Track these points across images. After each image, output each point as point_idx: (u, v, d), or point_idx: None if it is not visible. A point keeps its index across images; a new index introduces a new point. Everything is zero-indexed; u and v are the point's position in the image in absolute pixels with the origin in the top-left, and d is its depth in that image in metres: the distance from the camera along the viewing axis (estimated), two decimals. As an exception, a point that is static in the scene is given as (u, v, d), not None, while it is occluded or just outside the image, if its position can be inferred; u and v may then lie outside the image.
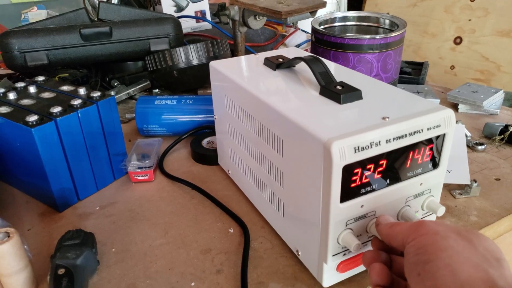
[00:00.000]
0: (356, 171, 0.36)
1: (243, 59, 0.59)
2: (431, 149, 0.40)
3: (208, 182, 0.62)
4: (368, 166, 0.37)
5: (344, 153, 0.35)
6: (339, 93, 0.42)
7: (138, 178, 0.62)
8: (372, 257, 0.36)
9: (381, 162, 0.37)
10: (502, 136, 0.70)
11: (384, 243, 0.37)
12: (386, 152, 0.37)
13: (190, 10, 1.16)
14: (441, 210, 0.42)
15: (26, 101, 0.57)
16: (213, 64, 0.57)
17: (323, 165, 0.35)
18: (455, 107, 0.82)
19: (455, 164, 0.60)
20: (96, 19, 0.92)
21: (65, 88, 0.61)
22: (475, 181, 0.57)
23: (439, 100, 0.83)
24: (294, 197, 0.43)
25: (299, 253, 0.45)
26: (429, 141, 0.40)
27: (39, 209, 0.57)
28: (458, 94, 0.81)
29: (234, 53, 0.93)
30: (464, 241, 0.29)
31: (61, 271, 0.41)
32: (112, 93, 0.87)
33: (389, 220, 0.36)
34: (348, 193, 0.37)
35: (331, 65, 0.54)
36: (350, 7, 1.65)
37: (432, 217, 0.45)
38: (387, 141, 0.36)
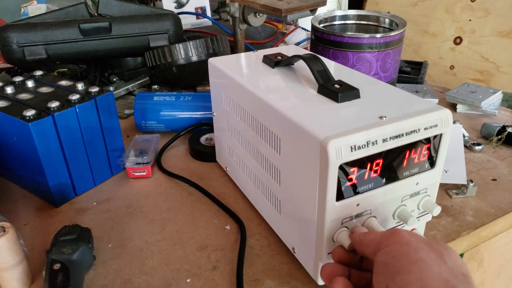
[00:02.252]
0: (352, 169, 0.36)
1: (242, 56, 0.59)
2: (428, 148, 0.40)
3: (206, 179, 0.62)
4: (365, 165, 0.37)
5: (340, 152, 0.35)
6: (337, 91, 0.42)
7: (136, 174, 0.62)
8: (333, 270, 0.35)
9: (377, 161, 0.37)
10: (499, 136, 0.70)
11: (345, 255, 0.36)
12: (383, 151, 0.37)
13: (191, 6, 1.15)
14: (437, 210, 0.42)
15: (23, 96, 0.57)
16: (212, 61, 0.57)
17: (320, 164, 0.36)
18: (453, 107, 0.82)
19: (452, 164, 0.60)
20: (95, 14, 0.92)
21: (63, 83, 0.61)
22: (472, 181, 0.57)
23: (437, 100, 0.83)
24: (290, 195, 0.43)
25: (295, 251, 0.45)
26: (426, 140, 0.40)
27: (36, 204, 0.57)
28: (457, 94, 0.81)
29: (233, 50, 0.93)
30: (435, 253, 0.29)
31: (56, 266, 0.41)
32: (111, 88, 0.87)
33: (364, 230, 0.37)
34: (344, 192, 0.37)
35: (330, 64, 0.54)
36: (350, 6, 1.65)
37: (428, 217, 0.45)
38: (384, 140, 0.37)
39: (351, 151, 0.35)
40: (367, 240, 0.34)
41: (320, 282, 0.43)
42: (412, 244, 0.30)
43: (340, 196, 0.37)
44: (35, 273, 0.45)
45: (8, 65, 0.96)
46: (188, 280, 0.44)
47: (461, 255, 0.57)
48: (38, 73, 0.65)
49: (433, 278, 0.27)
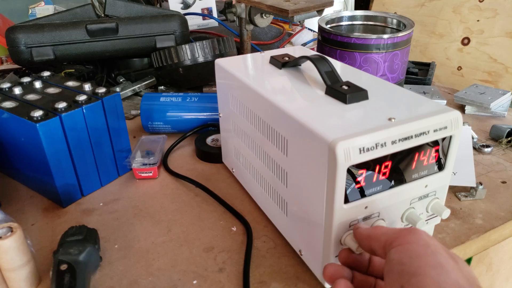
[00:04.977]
0: (360, 172, 0.36)
1: (248, 57, 0.59)
2: (437, 151, 0.40)
3: (212, 180, 0.62)
4: (373, 167, 0.37)
5: (349, 154, 0.34)
6: (345, 93, 0.42)
7: (142, 175, 0.62)
8: (336, 271, 0.34)
9: (386, 164, 0.37)
10: (509, 138, 0.69)
11: (352, 258, 0.36)
12: (392, 153, 0.37)
13: (197, 7, 1.15)
14: (446, 213, 0.42)
15: (31, 96, 0.57)
16: (219, 61, 0.57)
17: (328, 166, 0.35)
18: (461, 108, 0.81)
19: (461, 166, 0.59)
20: (102, 15, 0.92)
21: (70, 83, 0.61)
22: (481, 184, 0.56)
23: (445, 101, 0.82)
24: (297, 197, 0.43)
25: (302, 253, 0.45)
26: (435, 143, 0.39)
27: (43, 204, 0.57)
28: (465, 95, 0.80)
29: (240, 51, 0.92)
30: (453, 261, 0.29)
31: (63, 267, 0.41)
32: (117, 89, 0.87)
33: (367, 226, 0.36)
34: (352, 194, 0.37)
35: (337, 65, 0.54)
36: (357, 6, 1.64)
37: (437, 220, 0.45)
38: (393, 142, 0.36)
39: (360, 153, 0.35)
40: (376, 234, 0.33)
41: (327, 284, 0.42)
42: (431, 247, 0.29)
43: (348, 198, 0.37)
44: (43, 273, 0.45)
45: (16, 66, 0.97)
46: (195, 282, 0.44)
47: (470, 258, 0.57)
48: (46, 74, 0.65)
49: (451, 284, 0.27)
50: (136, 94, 0.90)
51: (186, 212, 0.55)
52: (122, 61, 0.94)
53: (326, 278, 0.35)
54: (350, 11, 0.84)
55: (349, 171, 0.35)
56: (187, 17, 0.95)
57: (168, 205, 0.57)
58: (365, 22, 0.83)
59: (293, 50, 0.60)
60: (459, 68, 1.45)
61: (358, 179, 0.36)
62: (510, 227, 0.53)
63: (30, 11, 1.36)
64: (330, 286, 0.42)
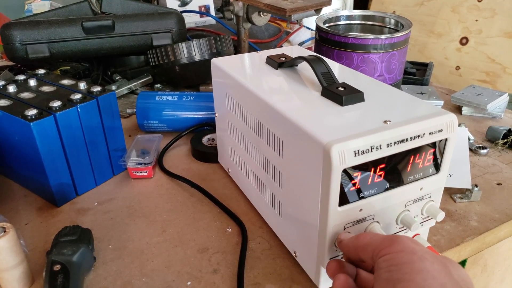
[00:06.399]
0: (355, 174, 0.36)
1: (245, 56, 0.59)
2: (432, 153, 0.40)
3: (208, 180, 0.61)
4: (368, 170, 0.36)
5: (344, 157, 0.34)
6: (341, 94, 0.41)
7: (137, 174, 0.61)
8: (338, 267, 0.34)
9: (381, 166, 0.37)
10: (505, 140, 0.69)
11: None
12: (387, 156, 0.36)
13: (194, 4, 1.15)
14: (441, 216, 0.42)
15: (25, 95, 0.57)
16: (215, 61, 0.56)
17: (323, 168, 0.35)
18: (458, 109, 0.81)
19: (456, 167, 0.59)
20: (99, 12, 0.92)
21: (65, 82, 0.61)
22: (476, 186, 0.56)
23: (442, 102, 0.82)
24: (292, 199, 0.43)
25: (297, 255, 0.45)
26: (431, 145, 0.39)
27: (37, 203, 0.57)
28: (462, 96, 0.80)
29: (237, 49, 0.92)
30: (440, 265, 0.29)
31: (56, 267, 0.41)
32: (113, 87, 0.86)
33: (349, 235, 0.36)
34: (347, 197, 0.36)
35: (334, 65, 0.54)
36: (356, 6, 1.63)
37: (432, 222, 0.45)
38: (388, 145, 0.36)
39: (355, 155, 0.35)
40: (362, 244, 0.33)
41: (322, 286, 0.42)
42: (417, 253, 0.29)
43: (343, 201, 0.36)
44: (36, 274, 0.45)
45: (11, 63, 0.96)
46: (189, 283, 0.44)
47: (465, 260, 0.57)
48: (41, 71, 0.65)
49: None
50: (132, 92, 0.90)
51: (181, 213, 0.55)
52: (118, 58, 0.93)
53: (328, 273, 0.35)
54: (348, 11, 0.84)
55: (344, 173, 0.35)
56: (184, 14, 0.94)
57: (163, 205, 0.56)
58: (363, 22, 0.83)
59: (290, 50, 0.59)
60: (457, 68, 1.45)
61: (353, 181, 0.36)
62: (504, 229, 0.53)
63: (26, 7, 1.35)
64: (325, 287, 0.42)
